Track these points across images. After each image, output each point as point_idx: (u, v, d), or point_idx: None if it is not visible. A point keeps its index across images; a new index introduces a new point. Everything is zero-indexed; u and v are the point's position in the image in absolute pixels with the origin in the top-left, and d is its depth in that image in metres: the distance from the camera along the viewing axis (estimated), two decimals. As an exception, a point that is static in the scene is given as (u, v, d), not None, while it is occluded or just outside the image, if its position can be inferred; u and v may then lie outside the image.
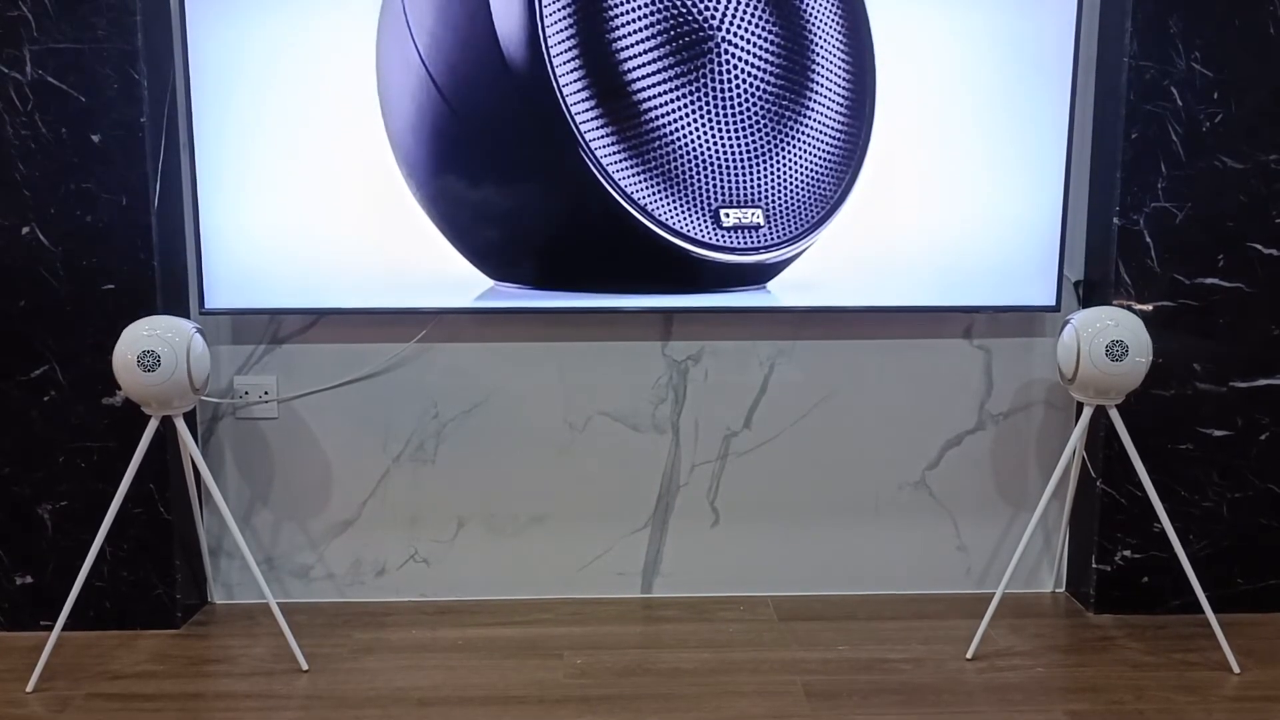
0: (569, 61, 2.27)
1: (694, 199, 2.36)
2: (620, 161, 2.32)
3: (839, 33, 2.36)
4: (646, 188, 2.34)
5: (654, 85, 2.30)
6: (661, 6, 2.28)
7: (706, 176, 2.36)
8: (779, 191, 2.39)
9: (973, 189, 2.44)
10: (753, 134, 2.36)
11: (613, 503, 2.63)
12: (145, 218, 2.34)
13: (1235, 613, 2.51)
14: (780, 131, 2.36)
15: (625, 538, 2.65)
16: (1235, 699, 2.17)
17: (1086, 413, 2.34)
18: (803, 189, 2.40)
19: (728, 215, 2.38)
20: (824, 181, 2.41)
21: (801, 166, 2.39)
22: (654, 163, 2.33)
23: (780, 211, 2.40)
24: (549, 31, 2.26)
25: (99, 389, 2.37)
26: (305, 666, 2.29)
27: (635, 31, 2.28)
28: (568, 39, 2.27)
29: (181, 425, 2.28)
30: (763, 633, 2.47)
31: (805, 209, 2.41)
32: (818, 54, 2.35)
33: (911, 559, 2.67)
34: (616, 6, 2.27)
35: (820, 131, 2.38)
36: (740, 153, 2.36)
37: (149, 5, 2.31)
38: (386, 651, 2.38)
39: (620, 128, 2.31)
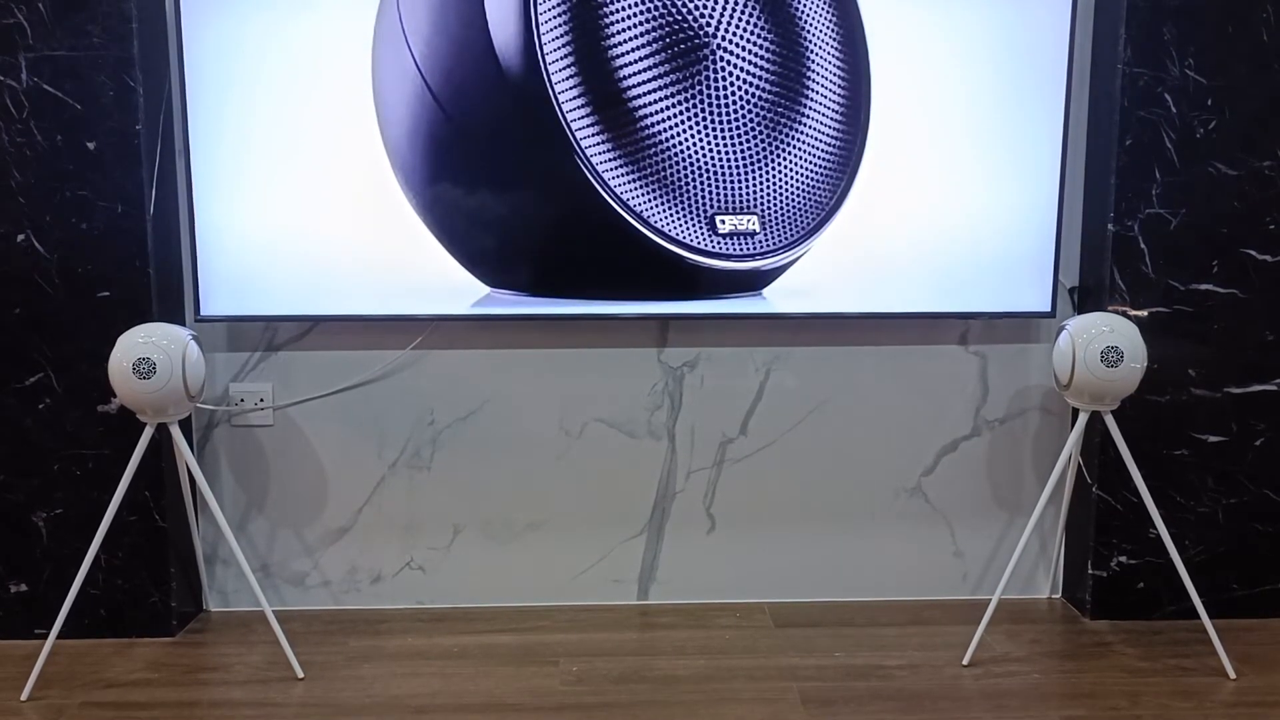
0: (564, 69, 2.27)
1: (689, 205, 2.36)
2: (616, 168, 2.32)
3: (834, 39, 2.37)
4: (642, 194, 2.34)
5: (649, 92, 2.30)
6: (657, 14, 2.28)
7: (702, 183, 2.36)
8: (774, 198, 2.39)
9: (968, 195, 2.45)
10: (748, 141, 2.36)
11: (609, 509, 2.63)
12: (141, 225, 2.34)
13: (1231, 618, 2.51)
14: (776, 138, 2.37)
15: (621, 544, 2.65)
16: (1231, 705, 2.17)
17: (1082, 418, 2.34)
18: (798, 195, 2.40)
19: (723, 222, 2.38)
20: (819, 188, 2.41)
21: (797, 173, 2.39)
22: (650, 169, 2.33)
23: (776, 218, 2.40)
24: (545, 39, 2.26)
25: (94, 396, 2.37)
26: (301, 674, 2.29)
27: (631, 39, 2.28)
28: (563, 46, 2.27)
29: (177, 433, 2.28)
30: (759, 639, 2.47)
31: (801, 215, 2.41)
32: (813, 60, 2.36)
33: (908, 565, 2.67)
34: (612, 14, 2.28)
35: (815, 138, 2.39)
36: (736, 159, 2.36)
37: (144, 12, 2.31)
38: (382, 659, 2.38)
39: (616, 134, 2.31)
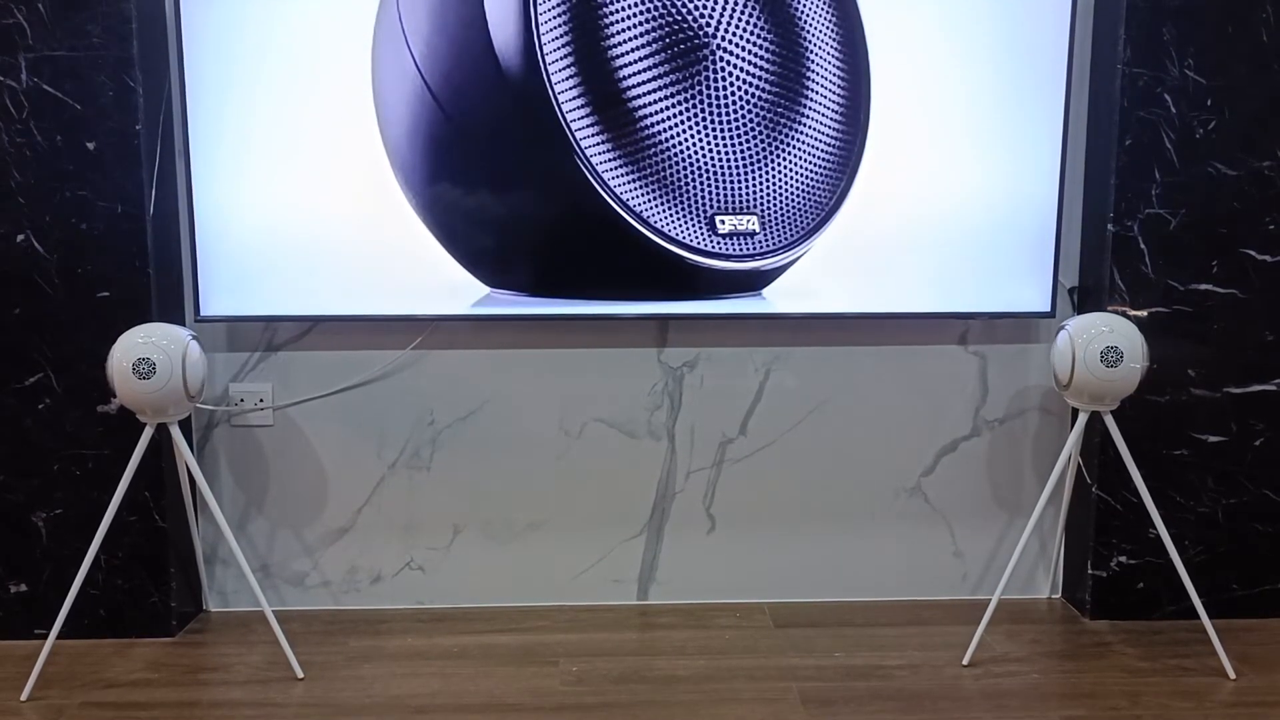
0: (564, 69, 2.27)
1: (689, 206, 2.37)
2: (616, 168, 2.32)
3: (834, 40, 2.37)
4: (642, 195, 2.34)
5: (649, 93, 2.30)
6: (656, 14, 2.28)
7: (702, 183, 2.36)
8: (774, 198, 2.39)
9: (968, 195, 2.45)
10: (748, 141, 2.36)
11: (608, 509, 2.63)
12: (140, 225, 2.34)
13: (1231, 618, 2.51)
14: (775, 138, 2.37)
15: (621, 544, 2.65)
16: (1231, 705, 2.17)
17: (1082, 419, 2.34)
18: (798, 195, 2.40)
19: (723, 222, 2.38)
20: (819, 188, 2.41)
21: (796, 173, 2.39)
22: (649, 170, 2.33)
23: (775, 218, 2.40)
24: (544, 40, 2.26)
25: (94, 397, 2.37)
26: (301, 674, 2.29)
27: (630, 39, 2.28)
28: (563, 47, 2.27)
29: (177, 433, 2.28)
30: (759, 639, 2.47)
31: (800, 215, 2.41)
32: (813, 61, 2.36)
33: (907, 565, 2.67)
34: (612, 14, 2.28)
35: (815, 138, 2.39)
36: (735, 159, 2.36)
37: (144, 12, 2.31)
38: (382, 659, 2.38)
39: (616, 135, 2.31)
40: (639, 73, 2.29)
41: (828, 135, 2.39)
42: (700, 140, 2.34)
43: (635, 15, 2.28)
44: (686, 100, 2.32)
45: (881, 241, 2.45)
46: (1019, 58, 2.41)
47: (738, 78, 2.33)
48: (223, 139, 2.36)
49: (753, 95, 2.34)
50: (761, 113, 2.35)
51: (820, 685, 2.25)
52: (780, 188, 2.39)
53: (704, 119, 2.33)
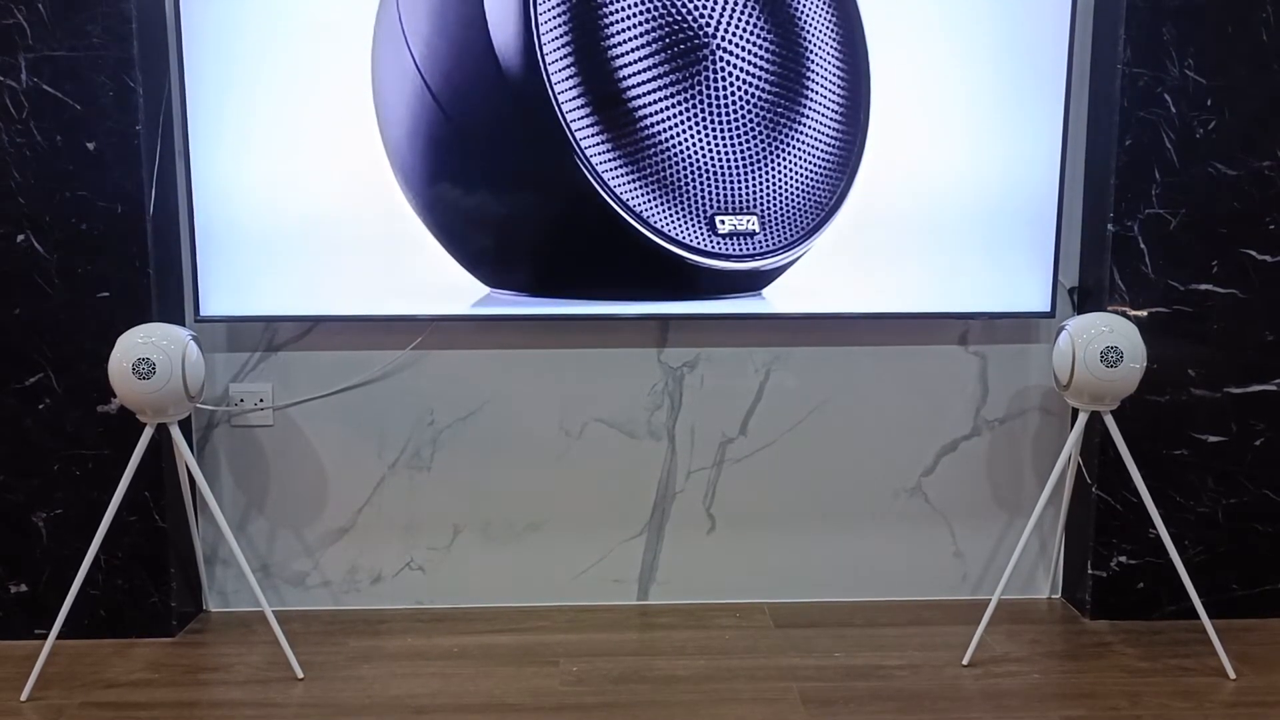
0: (564, 69, 2.27)
1: (689, 206, 2.37)
2: (616, 168, 2.32)
3: (834, 39, 2.37)
4: (642, 195, 2.34)
5: (649, 93, 2.30)
6: (656, 14, 2.28)
7: (702, 183, 2.36)
8: (774, 198, 2.39)
9: (967, 195, 2.45)
10: (748, 141, 2.36)
11: (609, 509, 2.63)
12: (141, 225, 2.34)
13: (1231, 618, 2.52)
14: (775, 138, 2.37)
15: (621, 544, 2.65)
16: (1231, 705, 2.18)
17: (1082, 419, 2.34)
18: (798, 195, 2.40)
19: (723, 222, 2.38)
20: (819, 188, 2.41)
21: (796, 173, 2.39)
22: (649, 170, 2.33)
23: (775, 218, 2.40)
24: (544, 40, 2.26)
25: (94, 397, 2.37)
26: (301, 675, 2.29)
27: (630, 39, 2.28)
28: (563, 46, 2.27)
29: (177, 433, 2.28)
30: (759, 640, 2.47)
31: (800, 215, 2.41)
32: (813, 60, 2.36)
33: (907, 565, 2.67)
34: (612, 14, 2.28)
35: (815, 138, 2.39)
36: (735, 160, 2.36)
37: (144, 12, 2.31)
38: (382, 659, 2.38)
39: (616, 135, 2.31)
40: (639, 73, 2.29)
41: (828, 135, 2.39)
42: (700, 140, 2.34)
43: (635, 15, 2.28)
44: (686, 100, 2.32)
45: (881, 241, 2.45)
46: (1019, 58, 2.41)
47: (738, 78, 2.33)
48: (223, 139, 2.36)
49: (753, 95, 2.34)
50: (761, 113, 2.35)
51: (820, 685, 2.25)
52: (780, 188, 2.39)
53: (704, 119, 2.33)
